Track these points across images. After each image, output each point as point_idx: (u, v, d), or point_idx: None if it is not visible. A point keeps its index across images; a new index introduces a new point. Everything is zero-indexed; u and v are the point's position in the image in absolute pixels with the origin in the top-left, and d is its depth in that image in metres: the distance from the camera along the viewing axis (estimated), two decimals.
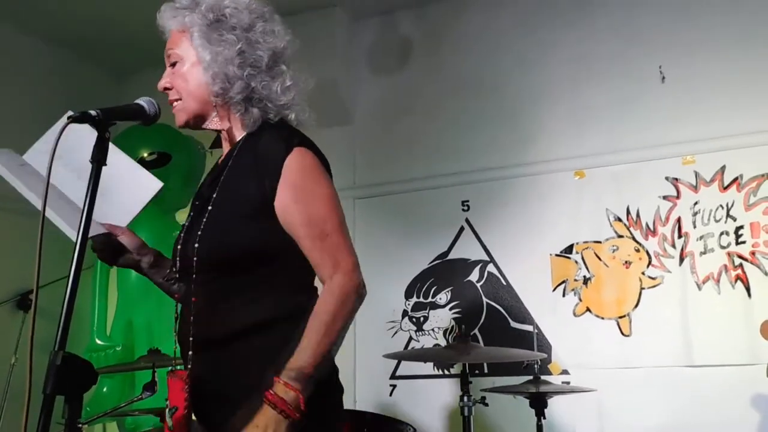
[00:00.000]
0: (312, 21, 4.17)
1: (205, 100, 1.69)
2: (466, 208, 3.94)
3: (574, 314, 3.59)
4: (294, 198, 1.57)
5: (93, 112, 1.36)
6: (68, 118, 1.29)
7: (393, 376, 3.90)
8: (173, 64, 1.72)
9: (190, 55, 1.69)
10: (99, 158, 1.36)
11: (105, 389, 3.96)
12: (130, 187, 1.80)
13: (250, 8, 1.71)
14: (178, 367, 1.65)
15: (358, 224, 4.11)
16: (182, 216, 4.26)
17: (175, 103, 1.72)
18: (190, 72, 1.68)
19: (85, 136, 1.42)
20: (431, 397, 3.76)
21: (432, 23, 4.28)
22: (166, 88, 1.72)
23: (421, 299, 3.93)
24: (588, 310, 3.58)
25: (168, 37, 1.74)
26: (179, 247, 1.68)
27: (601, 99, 3.77)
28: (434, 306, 3.89)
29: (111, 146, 1.75)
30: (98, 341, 4.05)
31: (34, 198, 1.64)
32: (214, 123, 1.74)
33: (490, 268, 3.82)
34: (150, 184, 1.80)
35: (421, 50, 4.28)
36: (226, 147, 1.77)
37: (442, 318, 3.86)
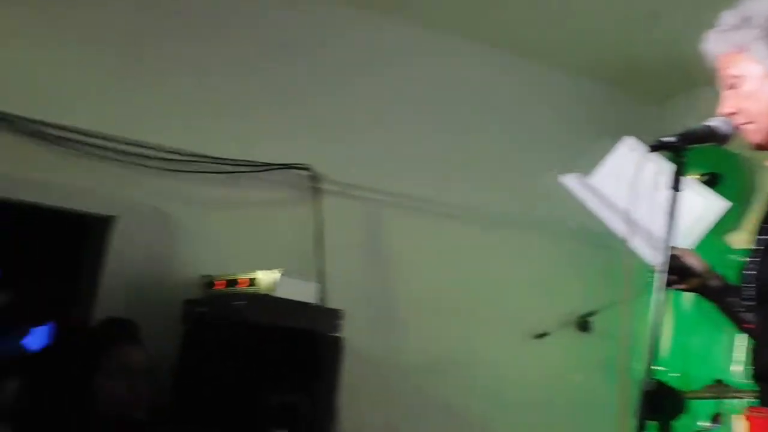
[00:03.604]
0: None
1: None
2: None
3: None
4: None
5: (671, 138, 1.38)
6: (649, 146, 1.34)
7: None
8: (731, 87, 1.65)
9: (751, 71, 1.60)
10: (676, 185, 1.38)
11: None
12: (693, 207, 1.77)
13: None
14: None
15: None
16: (733, 238, 4.02)
17: (747, 126, 1.65)
18: (760, 89, 1.60)
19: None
20: None
21: None
22: (731, 113, 1.66)
23: None
24: None
25: (713, 62, 1.68)
26: (754, 272, 1.59)
27: None
28: None
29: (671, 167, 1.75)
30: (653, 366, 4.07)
31: (613, 221, 1.69)
32: None
33: None
34: (714, 204, 1.77)
35: None
36: None
37: None
